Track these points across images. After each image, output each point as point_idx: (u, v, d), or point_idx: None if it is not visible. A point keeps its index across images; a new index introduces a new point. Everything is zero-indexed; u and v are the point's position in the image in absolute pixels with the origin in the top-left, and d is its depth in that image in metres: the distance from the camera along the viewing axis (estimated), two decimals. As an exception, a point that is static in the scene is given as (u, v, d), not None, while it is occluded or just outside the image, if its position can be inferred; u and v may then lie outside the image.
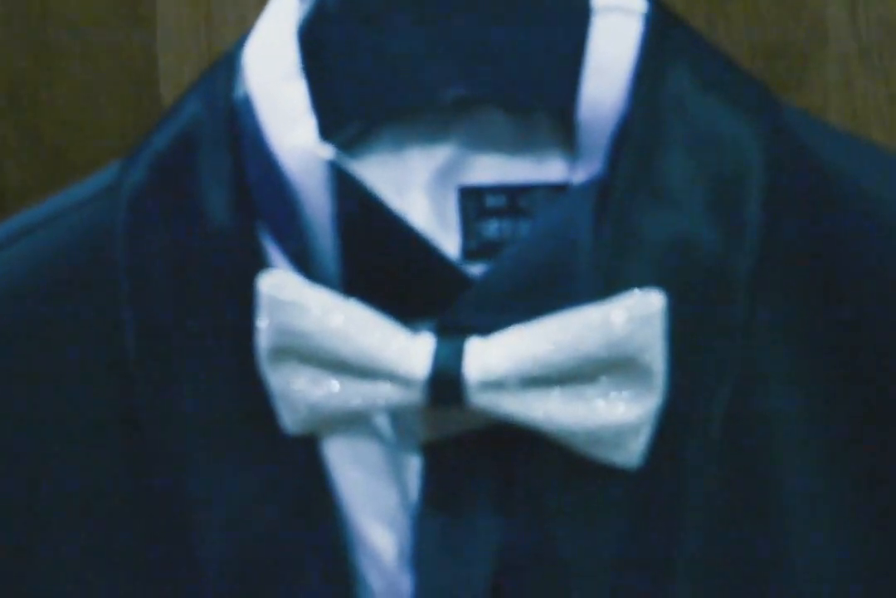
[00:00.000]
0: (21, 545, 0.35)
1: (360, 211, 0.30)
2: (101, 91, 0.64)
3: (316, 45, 0.31)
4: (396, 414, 0.31)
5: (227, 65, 0.32)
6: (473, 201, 0.33)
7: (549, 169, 0.32)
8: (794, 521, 0.32)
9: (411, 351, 0.29)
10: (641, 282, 0.29)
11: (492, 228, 0.33)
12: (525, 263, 0.30)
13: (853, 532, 0.32)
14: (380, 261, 0.30)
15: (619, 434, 0.28)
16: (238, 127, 0.31)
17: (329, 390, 0.29)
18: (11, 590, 0.36)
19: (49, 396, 0.34)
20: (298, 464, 0.31)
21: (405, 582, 0.31)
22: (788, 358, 0.31)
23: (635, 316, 0.28)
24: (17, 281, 0.34)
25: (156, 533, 0.33)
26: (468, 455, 0.31)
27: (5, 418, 0.34)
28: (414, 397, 0.29)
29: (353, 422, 0.31)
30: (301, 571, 0.32)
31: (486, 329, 0.29)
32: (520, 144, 0.33)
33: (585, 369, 0.28)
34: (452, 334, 0.29)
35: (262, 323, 0.30)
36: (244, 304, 0.31)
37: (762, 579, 0.32)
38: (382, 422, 0.32)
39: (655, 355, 0.28)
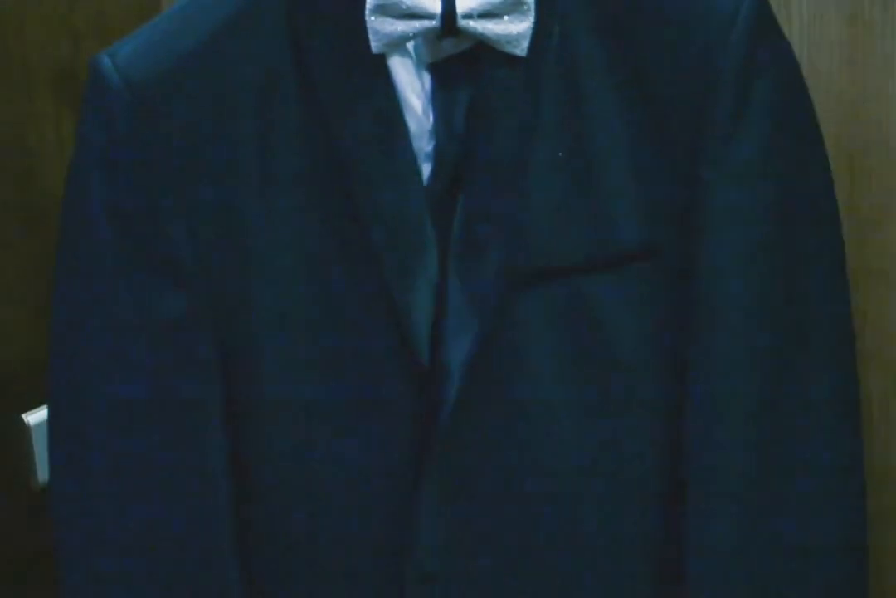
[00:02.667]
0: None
1: None
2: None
3: None
4: (418, 44, 0.71)
5: None
6: None
7: None
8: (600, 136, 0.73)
9: (438, 5, 0.69)
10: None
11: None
12: None
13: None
14: None
15: (518, 38, 0.69)
16: None
17: (398, 28, 0.69)
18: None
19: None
20: (380, 72, 0.71)
21: (427, 121, 0.72)
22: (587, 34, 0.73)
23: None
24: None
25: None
26: (454, 65, 0.72)
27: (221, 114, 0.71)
28: (432, 24, 0.69)
29: (400, 45, 0.70)
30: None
31: None
32: None
33: (505, 9, 0.69)
34: None
35: (368, 4, 0.69)
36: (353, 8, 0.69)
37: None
38: (411, 50, 0.71)
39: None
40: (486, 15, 0.69)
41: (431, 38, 0.71)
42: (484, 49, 0.70)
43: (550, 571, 0.75)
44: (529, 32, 0.70)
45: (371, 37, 0.69)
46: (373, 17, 0.69)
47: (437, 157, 0.72)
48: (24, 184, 0.96)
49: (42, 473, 0.95)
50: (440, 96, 0.72)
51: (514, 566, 0.74)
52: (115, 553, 0.75)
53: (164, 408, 0.72)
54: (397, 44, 0.70)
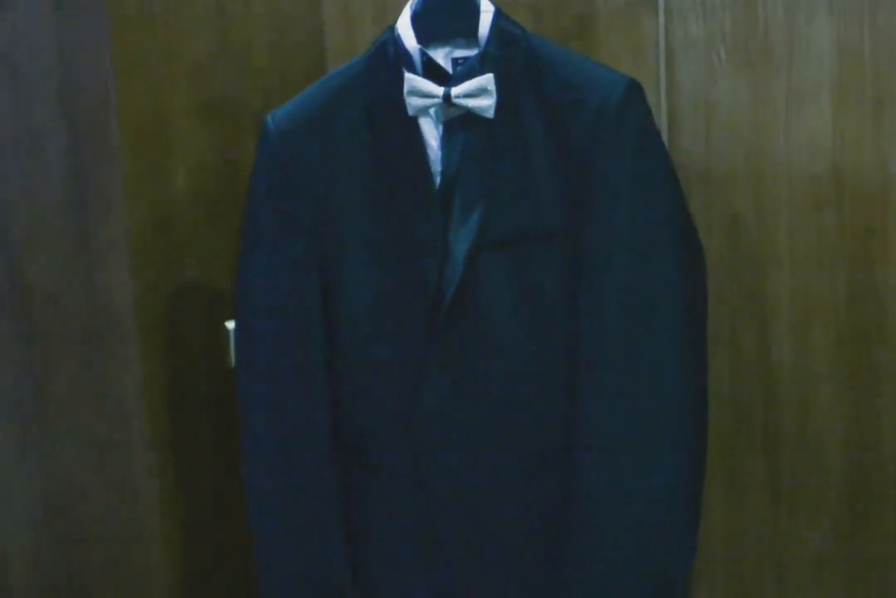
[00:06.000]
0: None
1: (425, 58, 1.28)
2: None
3: (414, 18, 1.29)
4: (436, 110, 1.28)
5: (391, 27, 1.30)
6: (456, 61, 1.30)
7: (473, 50, 1.29)
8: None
9: (441, 91, 1.26)
10: (491, 71, 1.27)
11: (459, 67, 1.29)
12: (468, 70, 1.27)
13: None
14: (432, 73, 1.26)
15: (487, 108, 1.25)
16: (396, 40, 1.30)
17: (421, 102, 1.26)
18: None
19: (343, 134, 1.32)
20: (413, 127, 1.29)
21: (438, 153, 1.29)
22: (531, 99, 1.27)
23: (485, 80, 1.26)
24: (328, 82, 1.33)
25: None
26: (455, 122, 1.29)
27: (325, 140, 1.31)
28: (439, 101, 1.26)
29: (425, 111, 1.28)
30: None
31: (457, 81, 1.27)
32: (467, 46, 1.30)
33: (479, 93, 1.25)
34: (448, 85, 1.26)
35: (405, 90, 1.26)
36: (398, 91, 1.27)
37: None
38: (432, 113, 1.29)
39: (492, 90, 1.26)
40: (468, 96, 1.25)
41: (442, 108, 1.27)
42: (470, 114, 1.27)
43: (503, 404, 1.29)
44: (493, 105, 1.25)
45: (408, 107, 1.27)
46: (408, 97, 1.26)
47: (444, 173, 1.29)
48: (232, 187, 1.58)
49: (232, 360, 1.56)
50: (447, 139, 1.29)
51: (482, 402, 1.30)
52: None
53: (288, 305, 1.32)
54: (423, 110, 1.27)
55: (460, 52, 1.30)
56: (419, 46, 1.29)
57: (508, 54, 1.26)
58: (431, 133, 1.29)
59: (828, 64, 1.39)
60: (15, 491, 1.62)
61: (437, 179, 1.29)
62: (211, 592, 1.60)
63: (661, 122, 1.48)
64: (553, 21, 1.53)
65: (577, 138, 1.24)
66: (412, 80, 1.26)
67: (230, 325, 1.54)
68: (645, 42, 1.48)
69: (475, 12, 1.28)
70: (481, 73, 1.25)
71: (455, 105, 1.26)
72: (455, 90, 1.25)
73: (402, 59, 1.28)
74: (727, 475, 1.53)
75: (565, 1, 1.53)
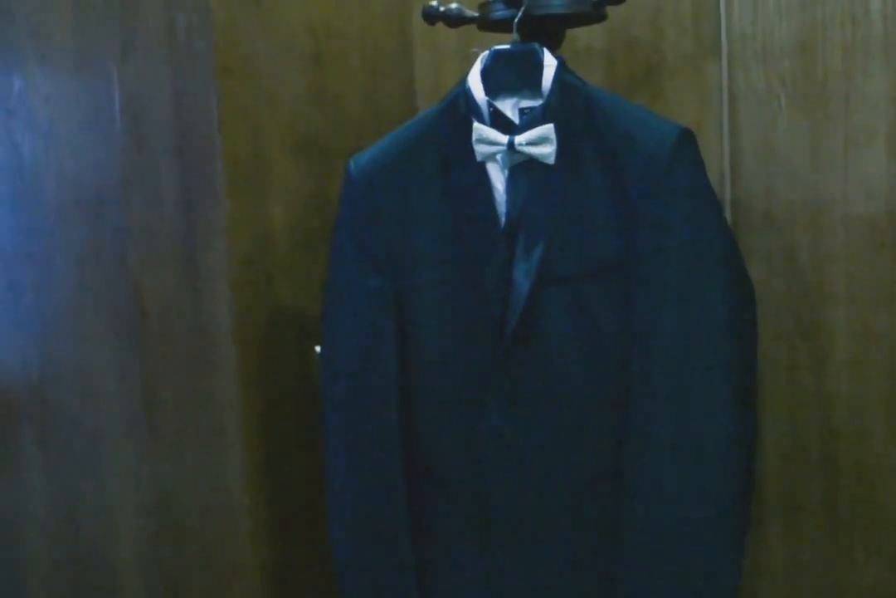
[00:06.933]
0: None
1: (493, 110, 1.39)
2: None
3: (483, 73, 1.40)
4: (502, 156, 1.39)
5: (462, 81, 1.42)
6: (522, 111, 1.41)
7: (538, 101, 1.40)
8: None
9: (506, 139, 1.37)
10: (552, 121, 1.38)
11: (523, 117, 1.40)
12: (531, 120, 1.37)
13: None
14: (499, 122, 1.38)
15: (549, 155, 1.36)
16: (466, 93, 1.41)
17: (488, 149, 1.38)
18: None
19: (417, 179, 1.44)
20: (481, 171, 1.41)
21: (504, 196, 1.40)
22: (590, 146, 1.37)
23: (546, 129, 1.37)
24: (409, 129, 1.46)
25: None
26: (519, 168, 1.40)
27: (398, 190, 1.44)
28: (504, 148, 1.38)
29: (492, 157, 1.39)
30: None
31: (521, 130, 1.38)
32: (533, 97, 1.40)
33: (540, 141, 1.36)
34: (513, 134, 1.37)
35: (473, 138, 1.38)
36: (468, 139, 1.39)
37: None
38: (499, 159, 1.40)
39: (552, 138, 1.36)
40: (531, 143, 1.36)
41: (507, 154, 1.38)
42: (533, 160, 1.37)
43: (557, 430, 1.39)
44: (554, 152, 1.36)
45: (476, 154, 1.38)
46: (476, 145, 1.38)
47: (508, 215, 1.40)
48: (323, 221, 1.72)
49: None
50: (512, 184, 1.40)
51: (538, 427, 1.40)
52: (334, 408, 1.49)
53: (364, 332, 1.44)
54: (490, 157, 1.39)
55: (526, 103, 1.41)
56: (487, 98, 1.40)
57: (569, 105, 1.37)
58: (498, 177, 1.40)
59: (883, 110, 1.45)
60: (125, 497, 1.77)
61: (503, 220, 1.40)
62: (296, 591, 1.74)
63: (725, 164, 1.56)
64: (624, 68, 1.63)
65: (632, 183, 1.34)
66: (480, 129, 1.37)
67: (318, 348, 1.67)
68: (709, 88, 1.56)
69: (539, 67, 1.39)
70: (543, 122, 1.36)
71: (519, 152, 1.37)
72: (518, 139, 1.36)
73: (472, 109, 1.40)
74: (785, 507, 1.58)
75: (636, 49, 1.62)
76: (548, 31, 1.47)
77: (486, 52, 1.41)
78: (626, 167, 1.34)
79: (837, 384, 1.53)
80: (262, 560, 1.66)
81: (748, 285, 1.39)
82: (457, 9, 1.55)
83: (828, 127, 1.49)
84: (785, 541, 1.59)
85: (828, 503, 1.56)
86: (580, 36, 1.64)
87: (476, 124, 1.38)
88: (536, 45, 1.40)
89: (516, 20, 1.41)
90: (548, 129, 1.35)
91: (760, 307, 1.42)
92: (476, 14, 1.54)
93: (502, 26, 1.47)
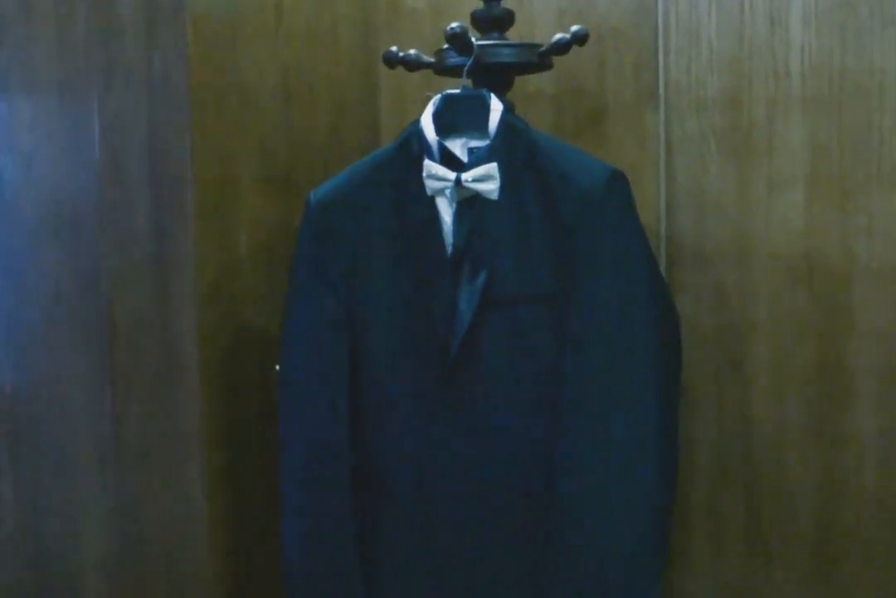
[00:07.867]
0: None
1: (443, 149, 1.51)
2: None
3: (435, 115, 1.52)
4: (450, 191, 1.51)
5: (415, 121, 1.54)
6: (470, 150, 1.52)
7: (485, 141, 1.52)
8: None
9: (454, 175, 1.49)
10: (496, 160, 1.50)
11: (471, 156, 1.52)
12: (477, 159, 1.50)
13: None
14: (449, 161, 1.49)
15: (493, 191, 1.48)
16: (419, 133, 1.53)
17: (438, 185, 1.50)
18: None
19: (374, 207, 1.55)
20: (431, 204, 1.52)
21: (451, 228, 1.52)
22: (530, 184, 1.49)
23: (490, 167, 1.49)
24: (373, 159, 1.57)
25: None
26: (466, 202, 1.51)
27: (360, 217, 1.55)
28: (451, 184, 1.50)
29: (441, 192, 1.51)
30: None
31: (468, 167, 1.50)
32: (481, 137, 1.52)
33: (485, 178, 1.48)
34: (461, 171, 1.49)
35: (424, 174, 1.50)
36: (419, 175, 1.50)
37: None
38: (447, 194, 1.52)
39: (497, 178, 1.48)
40: (476, 180, 1.48)
41: (455, 189, 1.50)
42: (479, 195, 1.49)
43: (498, 441, 1.50)
44: (497, 189, 1.47)
45: (427, 189, 1.50)
46: (426, 180, 1.49)
47: (455, 245, 1.51)
48: (286, 248, 1.82)
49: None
50: (459, 216, 1.52)
51: (480, 438, 1.50)
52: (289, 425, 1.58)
53: (317, 348, 1.55)
54: (439, 191, 1.50)
55: (475, 143, 1.53)
56: (437, 138, 1.52)
57: (512, 146, 1.49)
58: (446, 211, 1.52)
59: (801, 157, 1.58)
60: (91, 506, 1.83)
61: (450, 250, 1.51)
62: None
63: (661, 204, 1.68)
64: (571, 113, 1.75)
65: (567, 218, 1.46)
66: (430, 166, 1.49)
67: (278, 367, 1.76)
68: (648, 134, 1.68)
69: (486, 110, 1.51)
70: (488, 161, 1.48)
71: (465, 187, 1.48)
72: (465, 175, 1.48)
73: (424, 148, 1.51)
74: (710, 524, 1.69)
75: (582, 96, 1.74)
76: (497, 77, 1.60)
77: (438, 96, 1.53)
78: (561, 204, 1.46)
79: (761, 412, 1.64)
80: (221, 571, 1.73)
81: (674, 317, 1.51)
82: (415, 55, 1.67)
83: (753, 172, 1.61)
84: (709, 556, 1.69)
85: (749, 523, 1.66)
86: (532, 81, 1.77)
87: (427, 161, 1.50)
88: (484, 91, 1.52)
89: (466, 67, 1.53)
90: (492, 167, 1.47)
91: (690, 338, 1.53)
92: (433, 59, 1.66)
93: (457, 72, 1.60)
